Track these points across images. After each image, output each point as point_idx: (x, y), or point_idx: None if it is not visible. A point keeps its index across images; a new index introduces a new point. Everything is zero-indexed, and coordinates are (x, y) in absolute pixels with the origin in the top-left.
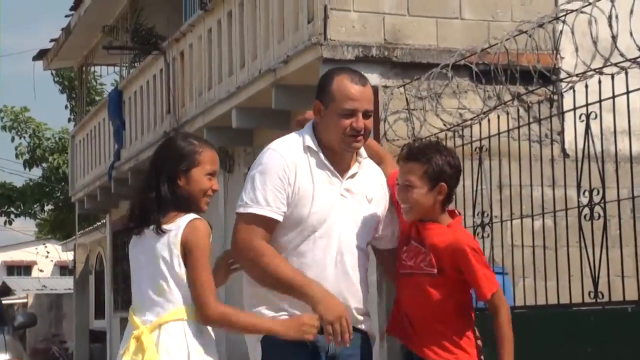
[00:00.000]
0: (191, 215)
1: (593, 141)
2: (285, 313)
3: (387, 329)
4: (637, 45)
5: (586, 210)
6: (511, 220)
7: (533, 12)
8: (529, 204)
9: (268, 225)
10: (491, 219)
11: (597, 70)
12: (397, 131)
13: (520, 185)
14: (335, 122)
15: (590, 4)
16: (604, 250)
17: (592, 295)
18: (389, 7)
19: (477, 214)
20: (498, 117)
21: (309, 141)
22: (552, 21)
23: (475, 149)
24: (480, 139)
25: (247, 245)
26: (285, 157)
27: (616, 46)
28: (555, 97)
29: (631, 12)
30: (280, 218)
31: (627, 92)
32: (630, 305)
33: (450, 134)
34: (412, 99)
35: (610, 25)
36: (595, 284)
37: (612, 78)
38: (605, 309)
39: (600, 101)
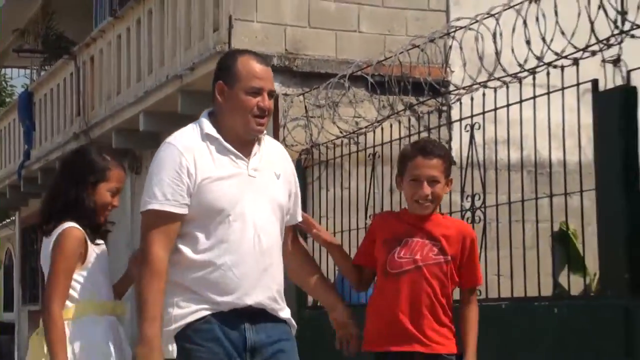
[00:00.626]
0: (70, 223)
1: (476, 150)
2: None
3: (365, 346)
4: (518, 62)
5: (468, 214)
6: None
7: (426, 28)
8: None
9: (170, 219)
10: None
11: (481, 84)
12: (295, 137)
13: None
14: (242, 101)
15: (477, 21)
16: (483, 252)
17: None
18: (290, 19)
19: (369, 217)
20: (391, 125)
21: (208, 128)
22: (442, 37)
23: (369, 156)
24: (374, 146)
25: (143, 250)
26: (181, 149)
27: (499, 62)
28: (444, 108)
29: (513, 29)
30: (181, 210)
31: (507, 105)
32: (504, 302)
33: (346, 140)
34: (310, 107)
35: (495, 42)
36: None
37: (495, 91)
38: (482, 305)
39: (483, 113)
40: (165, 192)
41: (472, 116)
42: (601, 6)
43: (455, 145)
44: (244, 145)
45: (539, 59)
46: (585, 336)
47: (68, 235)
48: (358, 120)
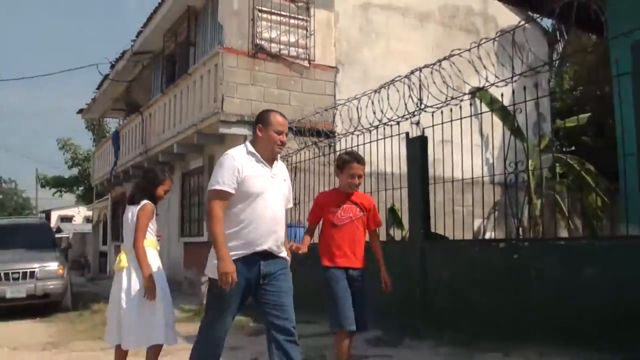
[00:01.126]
0: (146, 201)
1: None
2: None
3: (338, 264)
4: (369, 122)
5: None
6: (309, 202)
7: (323, 104)
8: None
9: (225, 195)
10: (298, 203)
11: (351, 132)
12: None
13: (317, 188)
14: (272, 137)
15: (348, 101)
16: None
17: None
18: (254, 97)
19: (294, 199)
20: (306, 152)
21: (250, 148)
22: (332, 108)
23: (293, 168)
24: (296, 163)
25: (209, 210)
26: (235, 158)
27: (359, 121)
28: (332, 144)
29: (366, 105)
30: (232, 191)
31: (364, 144)
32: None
33: (283, 159)
34: None
35: (358, 111)
36: None
37: (357, 136)
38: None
39: (351, 147)
40: (224, 180)
41: (346, 148)
42: (410, 95)
43: None
44: (269, 161)
45: (380, 120)
46: (401, 264)
47: (147, 206)
48: (288, 149)
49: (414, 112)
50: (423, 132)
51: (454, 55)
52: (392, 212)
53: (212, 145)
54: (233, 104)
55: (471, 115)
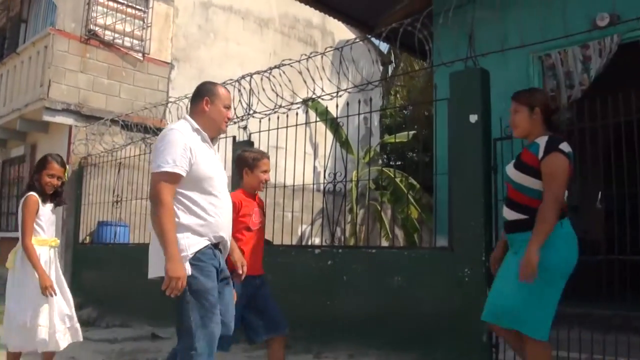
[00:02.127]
0: (29, 193)
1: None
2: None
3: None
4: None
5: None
6: (136, 199)
7: (156, 99)
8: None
9: (177, 179)
10: (121, 199)
11: None
12: (79, 149)
13: (143, 186)
14: (221, 112)
15: (179, 99)
16: None
17: None
18: (82, 85)
19: (116, 195)
20: (131, 148)
21: (195, 125)
22: (162, 105)
23: (118, 163)
24: (122, 158)
25: (157, 197)
26: (184, 134)
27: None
28: None
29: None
30: (184, 174)
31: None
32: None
33: (106, 154)
34: (89, 135)
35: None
36: None
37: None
38: None
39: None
40: (176, 160)
41: None
42: (240, 99)
43: None
44: (212, 140)
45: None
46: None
47: (28, 199)
48: (114, 143)
49: (242, 116)
50: (250, 136)
51: (285, 65)
52: None
53: (35, 133)
54: (60, 91)
55: (297, 125)
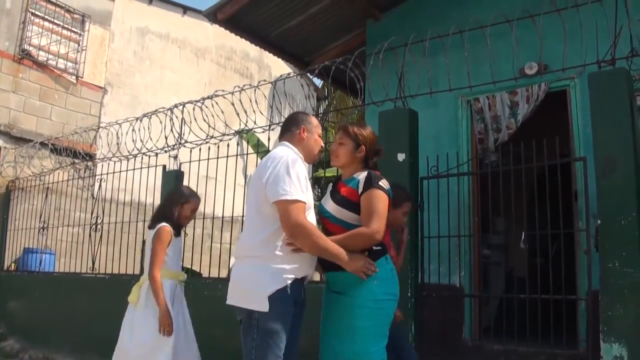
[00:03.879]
0: (162, 224)
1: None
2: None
3: None
4: (136, 147)
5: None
6: (63, 226)
7: (87, 123)
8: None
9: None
10: (47, 226)
11: (109, 158)
12: (8, 171)
13: (71, 212)
14: (317, 141)
15: (109, 125)
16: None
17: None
18: (14, 106)
19: (43, 222)
20: (59, 173)
21: (299, 153)
22: (92, 130)
23: (46, 187)
24: (49, 183)
25: (302, 225)
26: (301, 162)
27: (118, 148)
28: (91, 166)
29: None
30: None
31: (122, 172)
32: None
33: (34, 177)
34: (18, 157)
35: (118, 138)
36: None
37: (115, 163)
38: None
39: (107, 174)
40: (302, 188)
41: (101, 174)
42: (172, 128)
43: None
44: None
45: (139, 150)
46: None
47: (162, 229)
48: (43, 167)
49: (173, 145)
50: (180, 166)
51: (218, 95)
52: None
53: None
54: None
55: (227, 156)
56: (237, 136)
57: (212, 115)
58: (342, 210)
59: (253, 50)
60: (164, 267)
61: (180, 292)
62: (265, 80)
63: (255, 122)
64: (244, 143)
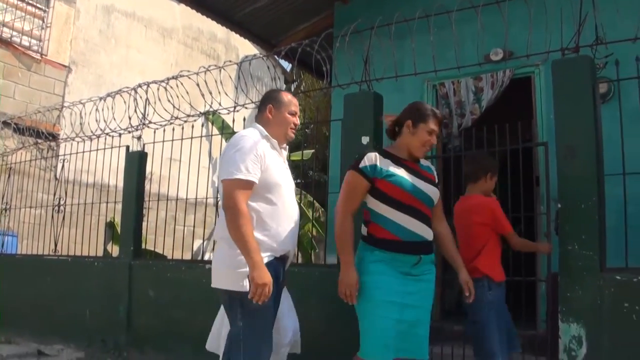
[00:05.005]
0: None
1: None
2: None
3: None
4: (91, 131)
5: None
6: (25, 208)
7: (50, 103)
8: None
9: (249, 186)
10: (10, 207)
11: (72, 138)
12: None
13: (34, 193)
14: (286, 119)
15: (72, 104)
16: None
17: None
18: None
19: (5, 204)
20: (22, 153)
21: (264, 132)
22: (56, 109)
23: (10, 168)
24: (12, 163)
25: (235, 205)
26: (254, 140)
27: (81, 125)
28: (54, 147)
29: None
30: (257, 181)
31: (86, 152)
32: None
33: None
34: None
35: (82, 117)
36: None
37: (77, 143)
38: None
39: (70, 155)
40: (248, 167)
41: (65, 155)
42: (136, 108)
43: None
44: (280, 147)
45: (102, 130)
46: (108, 281)
47: None
48: (5, 147)
49: (137, 126)
50: (143, 147)
51: (183, 75)
52: (111, 227)
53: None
54: None
55: (192, 138)
56: (202, 118)
57: (177, 96)
58: None
59: (220, 31)
60: None
61: None
62: (230, 61)
63: (220, 104)
64: (210, 125)
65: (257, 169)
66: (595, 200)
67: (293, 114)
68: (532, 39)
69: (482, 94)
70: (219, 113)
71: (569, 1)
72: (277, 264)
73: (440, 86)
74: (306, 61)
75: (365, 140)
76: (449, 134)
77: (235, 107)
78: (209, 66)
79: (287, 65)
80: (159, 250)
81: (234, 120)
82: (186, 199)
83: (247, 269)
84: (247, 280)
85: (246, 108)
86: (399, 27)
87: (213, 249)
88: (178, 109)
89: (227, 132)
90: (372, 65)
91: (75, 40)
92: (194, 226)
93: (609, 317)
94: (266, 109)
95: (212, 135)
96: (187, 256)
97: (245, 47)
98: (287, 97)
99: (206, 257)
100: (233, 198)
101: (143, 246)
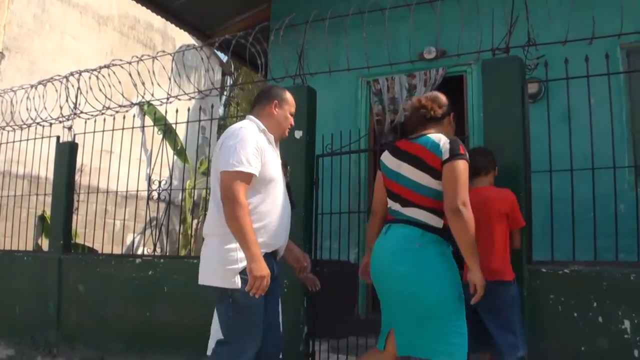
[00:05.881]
0: None
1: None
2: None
3: None
4: (30, 117)
5: None
6: None
7: None
8: None
9: (249, 179)
10: None
11: (2, 127)
12: None
13: None
14: (287, 117)
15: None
16: None
17: None
18: None
19: None
20: None
21: (262, 126)
22: None
23: None
24: None
25: (234, 197)
26: (254, 134)
27: (12, 114)
28: None
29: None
30: (257, 174)
31: (16, 142)
32: None
33: None
34: None
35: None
36: None
37: (9, 132)
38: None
39: (0, 143)
40: (249, 159)
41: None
42: (67, 97)
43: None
44: (275, 144)
45: (33, 119)
46: (37, 276)
47: None
48: None
49: (68, 116)
50: (74, 137)
51: (116, 64)
52: (42, 220)
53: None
54: None
55: (123, 129)
56: (136, 109)
57: (110, 86)
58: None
59: (157, 21)
60: None
61: None
62: (164, 52)
63: (152, 95)
64: (145, 117)
65: (258, 162)
66: (522, 195)
67: (292, 115)
68: (464, 38)
69: (415, 91)
70: (153, 105)
71: (500, 3)
72: (270, 259)
73: (374, 82)
74: (243, 54)
75: (298, 134)
76: (382, 130)
77: (168, 99)
78: (142, 55)
79: (226, 58)
80: (91, 244)
81: (166, 112)
82: (117, 191)
83: (239, 265)
84: (238, 277)
85: (179, 100)
86: (335, 23)
87: (154, 243)
88: (110, 99)
89: (160, 124)
90: (308, 59)
91: (9, 25)
92: (124, 219)
93: (536, 308)
94: (272, 104)
95: (144, 126)
96: (122, 251)
97: (183, 38)
98: (290, 97)
99: (139, 252)
100: (233, 190)
101: (74, 240)
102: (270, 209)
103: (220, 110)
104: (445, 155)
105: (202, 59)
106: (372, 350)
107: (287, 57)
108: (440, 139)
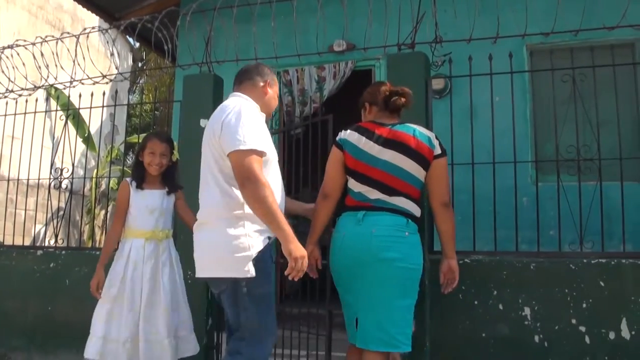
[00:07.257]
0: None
1: None
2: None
3: None
4: None
5: None
6: None
7: None
8: None
9: (262, 156)
10: None
11: None
12: None
13: None
14: (275, 98)
15: None
16: None
17: None
18: None
19: None
20: None
21: (256, 104)
22: None
23: None
24: None
25: (254, 175)
26: (257, 111)
27: None
28: None
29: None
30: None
31: None
32: None
33: None
34: None
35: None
36: None
37: None
38: None
39: None
40: (260, 137)
41: None
42: None
43: None
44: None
45: None
46: None
47: (120, 186)
48: None
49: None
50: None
51: (20, 45)
52: None
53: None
54: None
55: (25, 113)
56: (44, 93)
57: (13, 68)
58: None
59: (67, 1)
60: (129, 226)
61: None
62: (69, 33)
63: (56, 78)
64: (52, 101)
65: (264, 140)
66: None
67: (277, 95)
68: (373, 33)
69: (324, 83)
70: (56, 88)
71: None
72: (273, 245)
73: (284, 73)
74: (151, 39)
75: (203, 122)
76: (292, 121)
77: (71, 82)
78: (46, 36)
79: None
80: None
81: (69, 96)
82: (17, 179)
83: (251, 252)
84: (250, 264)
85: (82, 84)
86: (245, 11)
87: (56, 234)
88: (13, 82)
89: (63, 108)
90: (215, 47)
91: None
92: (29, 209)
93: (436, 296)
94: (265, 82)
95: (49, 111)
96: (27, 241)
97: (93, 20)
98: (275, 78)
99: (45, 243)
100: (253, 169)
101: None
102: (274, 190)
103: (132, 98)
104: (438, 150)
105: (107, 42)
106: (350, 349)
107: (195, 44)
108: (425, 130)
